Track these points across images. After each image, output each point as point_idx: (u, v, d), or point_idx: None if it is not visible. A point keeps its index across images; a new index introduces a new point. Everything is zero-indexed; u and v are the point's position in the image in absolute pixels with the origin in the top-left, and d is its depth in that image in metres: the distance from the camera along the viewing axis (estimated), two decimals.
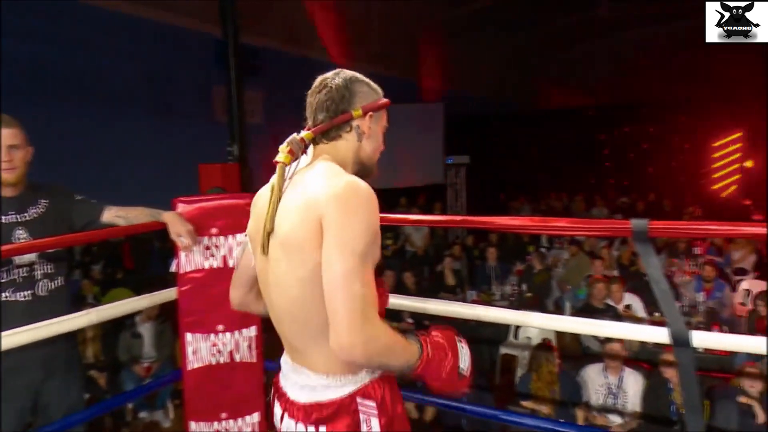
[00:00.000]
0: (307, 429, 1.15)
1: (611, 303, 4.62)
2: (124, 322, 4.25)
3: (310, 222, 1.05)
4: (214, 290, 2.01)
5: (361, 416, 1.14)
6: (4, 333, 1.58)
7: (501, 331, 4.58)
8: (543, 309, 5.20)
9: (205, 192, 2.66)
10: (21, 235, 1.77)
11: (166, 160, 7.90)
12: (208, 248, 2.02)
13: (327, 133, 1.20)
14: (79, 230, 1.91)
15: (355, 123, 1.20)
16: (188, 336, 2.06)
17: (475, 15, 11.58)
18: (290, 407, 1.19)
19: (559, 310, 5.41)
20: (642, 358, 3.88)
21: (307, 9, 11.67)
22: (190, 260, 2.02)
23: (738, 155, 11.09)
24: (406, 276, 5.47)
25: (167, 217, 1.93)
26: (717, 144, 11.19)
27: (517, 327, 4.51)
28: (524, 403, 3.47)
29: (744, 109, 9.90)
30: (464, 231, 8.44)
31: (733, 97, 10.05)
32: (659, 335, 1.42)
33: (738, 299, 5.04)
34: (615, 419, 3.42)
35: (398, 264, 7.11)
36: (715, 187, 11.24)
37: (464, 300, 5.31)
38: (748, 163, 10.92)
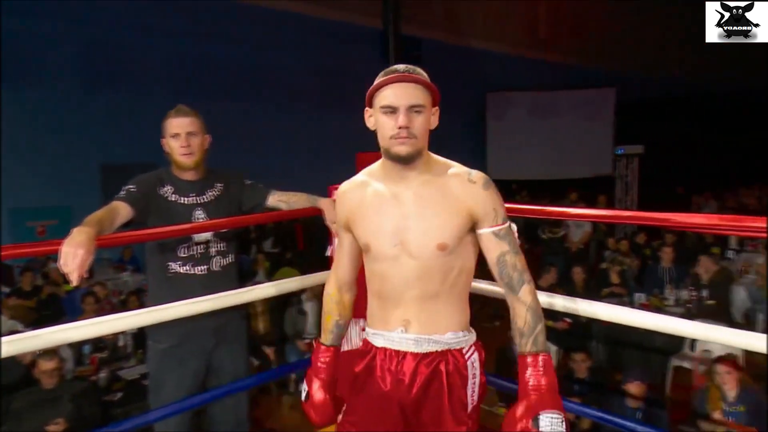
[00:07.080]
0: None
1: None
2: (292, 299, 4.58)
3: None
4: (364, 276, 2.04)
5: None
6: (184, 302, 1.77)
7: (674, 340, 4.09)
8: (728, 320, 4.54)
9: None
10: (200, 215, 1.95)
11: (330, 148, 8.38)
12: None
13: None
14: (246, 212, 2.06)
15: None
16: None
17: None
18: None
19: (749, 323, 4.68)
20: None
21: None
22: None
23: None
24: (548, 273, 5.13)
25: (323, 203, 2.00)
26: None
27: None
28: (703, 425, 3.03)
29: None
30: (633, 227, 7.72)
31: None
32: None
33: None
34: None
35: (558, 260, 6.73)
36: None
37: (630, 303, 4.83)
38: None
